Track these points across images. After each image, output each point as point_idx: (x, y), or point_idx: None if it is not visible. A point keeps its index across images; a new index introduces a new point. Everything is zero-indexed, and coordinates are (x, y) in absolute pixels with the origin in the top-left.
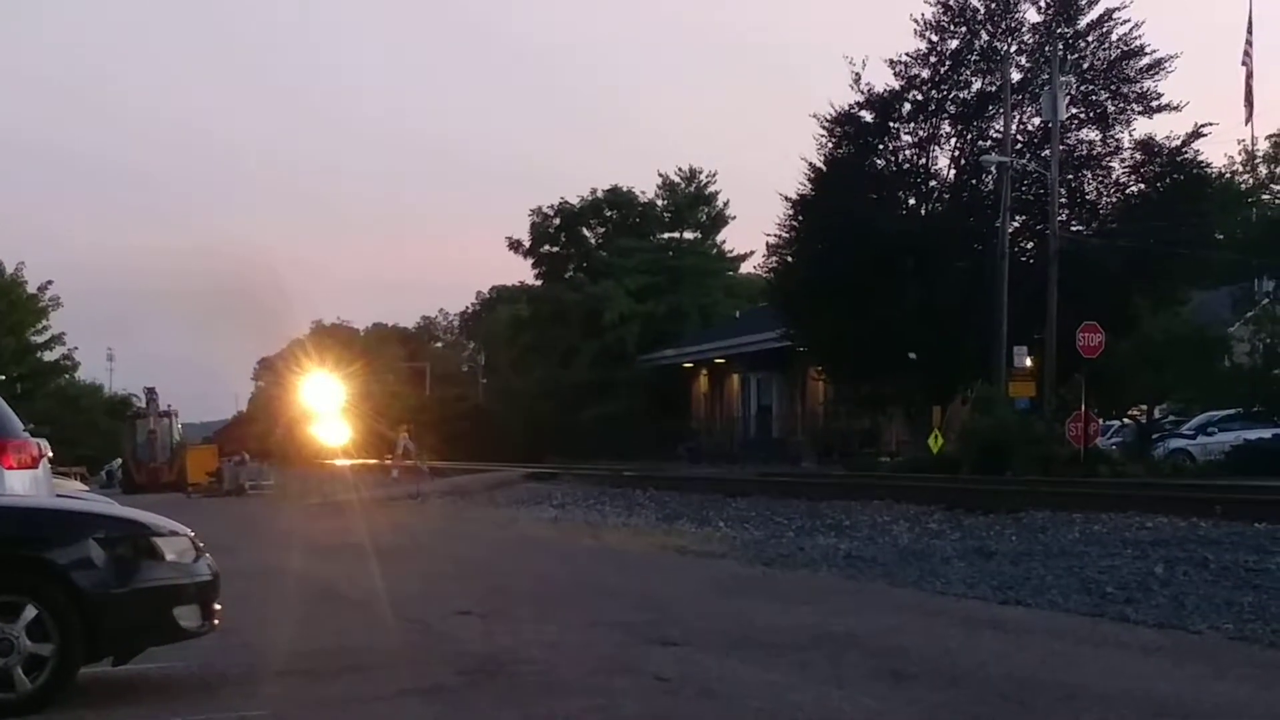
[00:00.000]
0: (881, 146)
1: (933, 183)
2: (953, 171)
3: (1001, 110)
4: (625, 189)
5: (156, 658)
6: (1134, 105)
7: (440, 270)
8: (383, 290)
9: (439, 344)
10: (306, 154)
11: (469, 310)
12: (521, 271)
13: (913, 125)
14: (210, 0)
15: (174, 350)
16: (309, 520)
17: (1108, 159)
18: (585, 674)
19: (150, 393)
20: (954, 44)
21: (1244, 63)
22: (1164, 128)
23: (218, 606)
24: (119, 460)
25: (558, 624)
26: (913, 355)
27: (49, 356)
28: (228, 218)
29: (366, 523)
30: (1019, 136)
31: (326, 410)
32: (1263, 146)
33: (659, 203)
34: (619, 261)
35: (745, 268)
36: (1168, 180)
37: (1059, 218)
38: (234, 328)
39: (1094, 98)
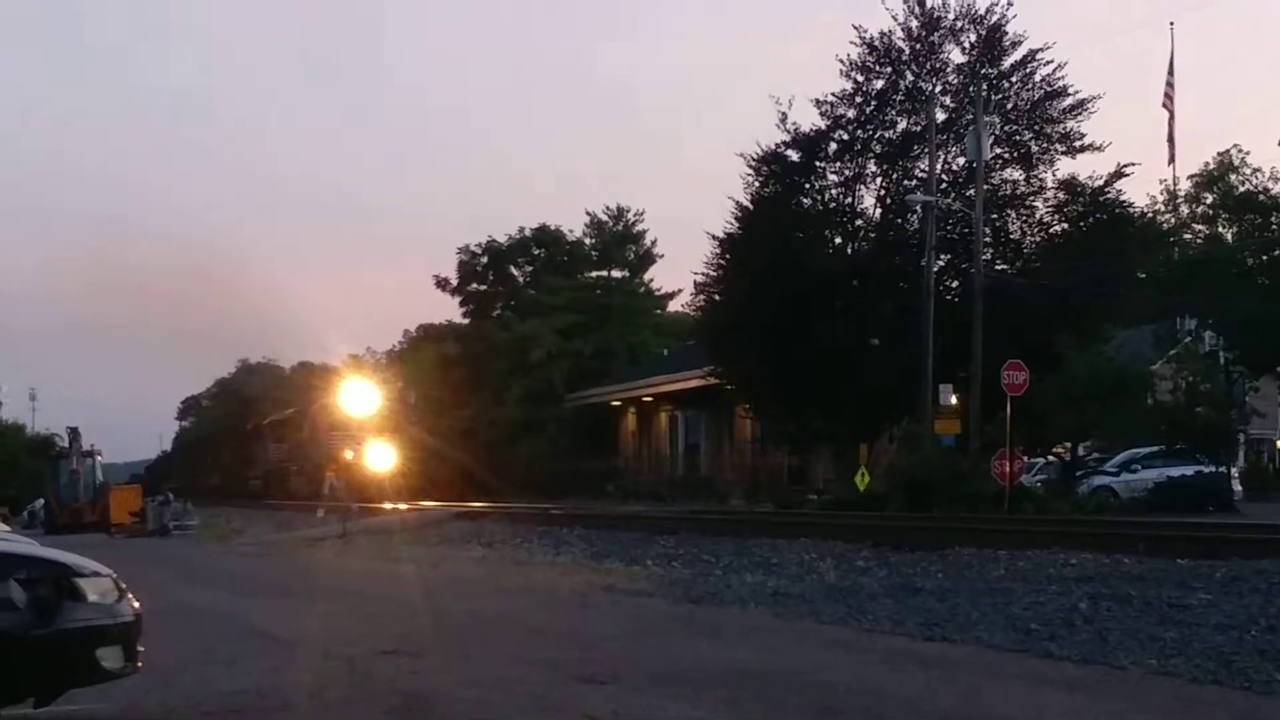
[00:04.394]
0: (808, 185)
1: (859, 222)
2: (878, 210)
3: (926, 150)
4: (553, 227)
5: (79, 699)
6: (1057, 145)
7: (367, 309)
8: (309, 328)
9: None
10: (227, 192)
11: (396, 348)
12: (449, 310)
13: (839, 164)
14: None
15: (97, 390)
16: (234, 560)
17: (1031, 198)
18: (513, 712)
19: (73, 432)
20: (879, 84)
21: (1164, 105)
22: (1086, 168)
23: (141, 647)
24: (42, 500)
25: (485, 662)
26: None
27: None
28: (151, 255)
29: (293, 562)
30: (944, 176)
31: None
32: (1184, 186)
33: (587, 241)
34: (547, 299)
35: (673, 306)
36: (1091, 219)
37: (984, 257)
38: (158, 366)
39: (1018, 138)
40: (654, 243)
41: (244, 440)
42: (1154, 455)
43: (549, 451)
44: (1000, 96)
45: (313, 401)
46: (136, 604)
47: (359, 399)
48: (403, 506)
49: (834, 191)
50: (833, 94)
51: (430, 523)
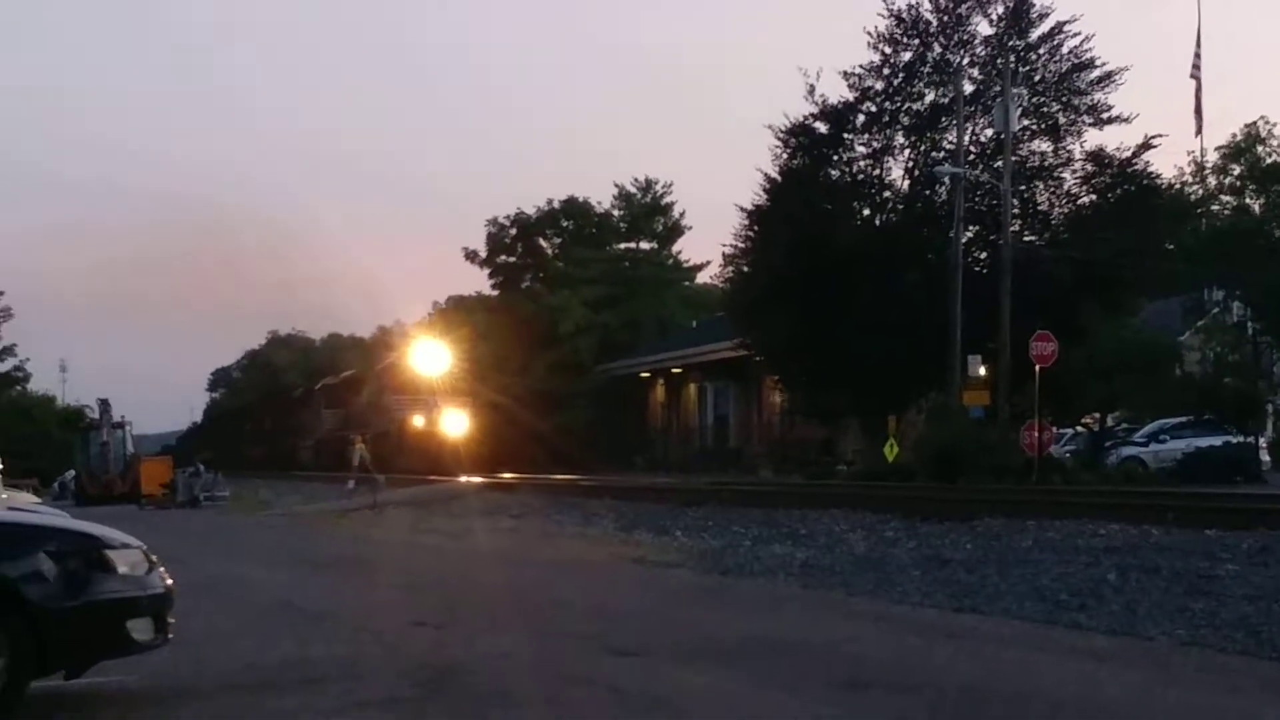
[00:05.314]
0: (836, 157)
1: (887, 193)
2: (906, 182)
3: (954, 122)
4: (581, 199)
5: (110, 671)
6: (1085, 117)
7: (395, 281)
8: (338, 299)
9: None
10: (257, 161)
11: (425, 320)
12: (478, 282)
13: (867, 136)
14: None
15: (128, 362)
16: (264, 532)
17: (1059, 170)
18: (540, 685)
19: (103, 404)
20: (907, 56)
21: (1193, 75)
22: (1114, 139)
23: (171, 619)
24: (72, 472)
25: (513, 635)
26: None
27: (0, 368)
28: (180, 228)
29: (323, 534)
30: (972, 148)
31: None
32: (1212, 158)
33: (615, 213)
34: (575, 272)
35: (701, 278)
36: (1118, 191)
37: (1011, 228)
38: (188, 338)
39: (1045, 109)
40: (682, 214)
41: (292, 407)
42: (1182, 426)
43: (578, 424)
44: (1028, 68)
45: (375, 363)
46: (167, 576)
47: (429, 359)
48: (476, 479)
49: (862, 163)
50: (860, 66)
51: (458, 495)
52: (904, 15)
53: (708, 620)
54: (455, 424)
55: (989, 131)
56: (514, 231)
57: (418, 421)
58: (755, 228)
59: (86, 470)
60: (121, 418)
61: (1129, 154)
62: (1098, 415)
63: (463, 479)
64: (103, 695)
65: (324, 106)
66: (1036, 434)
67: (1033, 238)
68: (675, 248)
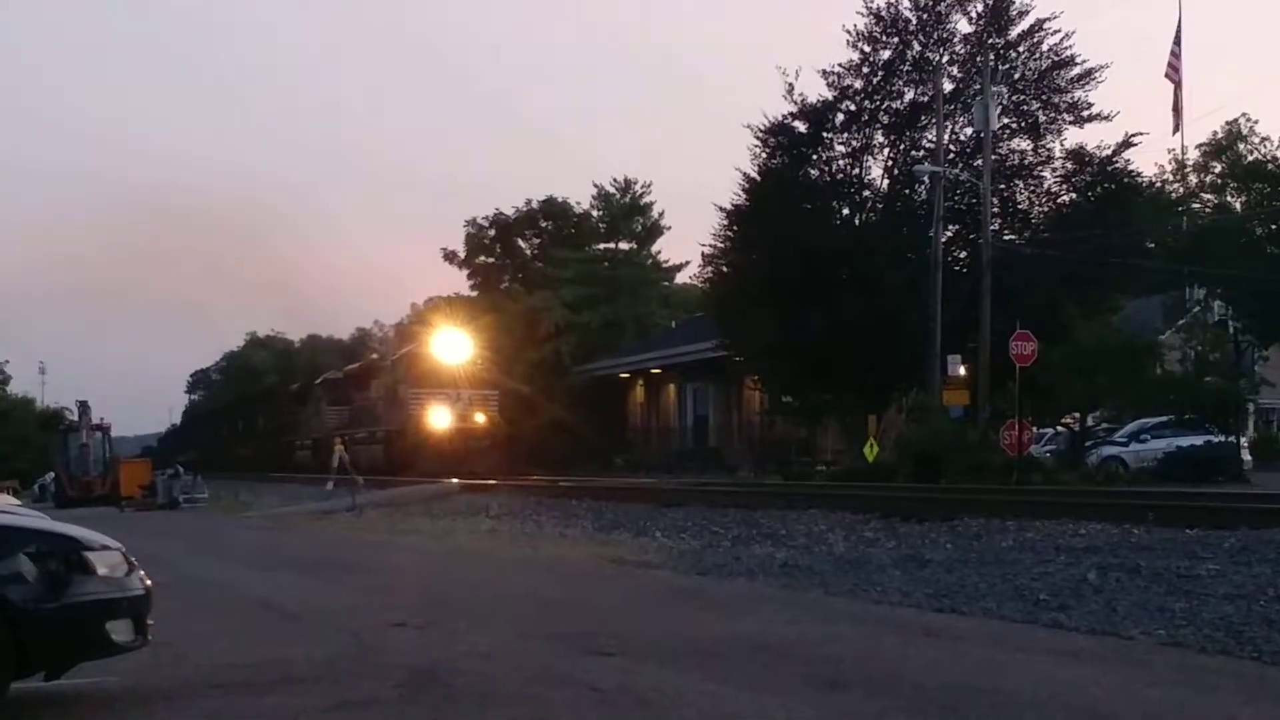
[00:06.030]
0: (815, 157)
1: (866, 192)
2: (886, 181)
3: (934, 120)
4: (560, 200)
5: (89, 673)
6: (1065, 115)
7: (375, 282)
8: (316, 302)
9: (375, 355)
10: (236, 161)
11: (404, 321)
12: (457, 283)
13: (846, 135)
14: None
15: (106, 363)
16: (244, 533)
17: (1039, 168)
18: (521, 685)
19: (83, 406)
20: (886, 54)
21: (1168, 75)
22: (1095, 137)
23: (150, 621)
24: (52, 474)
25: (493, 636)
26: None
27: None
28: (158, 230)
29: (302, 535)
30: (951, 146)
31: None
32: (1193, 156)
33: (594, 213)
34: (555, 272)
35: (681, 278)
36: (1099, 189)
37: (992, 227)
38: (166, 340)
39: (1025, 108)
40: (661, 214)
41: (287, 404)
42: (1163, 425)
43: (557, 424)
44: (1008, 66)
45: (386, 354)
46: (146, 578)
47: (453, 347)
48: (493, 480)
49: (841, 163)
50: (840, 65)
51: (438, 496)
52: (883, 13)
53: (687, 620)
54: (484, 419)
55: (969, 130)
56: (492, 232)
57: (442, 417)
58: (735, 228)
59: (66, 472)
60: (101, 419)
61: (1109, 152)
62: (1078, 415)
63: (492, 480)
64: (83, 696)
65: (301, 110)
66: (1017, 434)
67: (1013, 236)
68: (655, 248)
